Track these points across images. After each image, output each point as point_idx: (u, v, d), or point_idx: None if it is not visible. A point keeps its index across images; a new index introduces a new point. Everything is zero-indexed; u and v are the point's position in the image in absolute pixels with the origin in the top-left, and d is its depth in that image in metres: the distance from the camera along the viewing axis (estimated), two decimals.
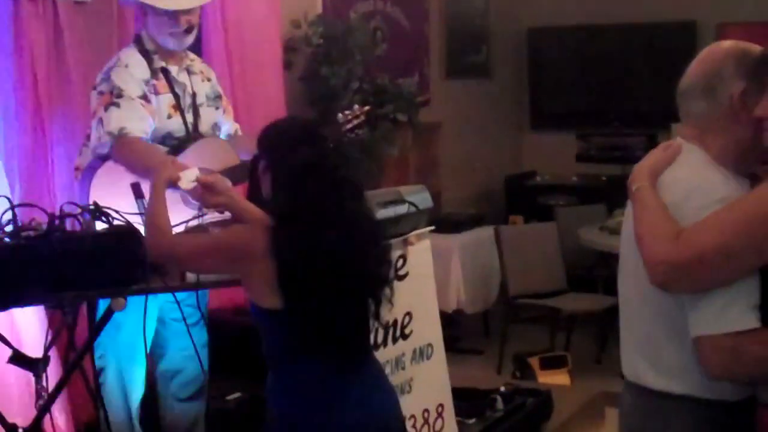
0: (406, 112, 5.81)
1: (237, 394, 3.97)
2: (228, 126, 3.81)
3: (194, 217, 2.96)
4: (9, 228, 2.60)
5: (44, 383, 2.77)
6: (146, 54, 3.53)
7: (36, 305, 3.27)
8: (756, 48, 2.06)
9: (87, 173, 3.40)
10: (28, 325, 3.53)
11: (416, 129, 6.06)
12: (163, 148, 3.47)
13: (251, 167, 2.67)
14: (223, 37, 4.77)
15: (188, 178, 2.95)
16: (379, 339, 3.23)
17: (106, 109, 3.39)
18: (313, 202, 2.41)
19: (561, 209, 6.96)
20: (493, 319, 6.55)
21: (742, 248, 1.89)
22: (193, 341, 3.25)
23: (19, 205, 2.80)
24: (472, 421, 3.84)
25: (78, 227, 2.70)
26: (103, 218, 2.71)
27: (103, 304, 2.88)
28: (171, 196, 2.90)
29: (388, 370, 3.22)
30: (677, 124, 2.16)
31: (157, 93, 3.51)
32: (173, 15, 3.46)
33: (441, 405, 3.53)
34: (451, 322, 5.82)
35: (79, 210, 2.73)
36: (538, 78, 8.28)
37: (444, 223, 5.89)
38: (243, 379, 3.82)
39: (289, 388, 2.46)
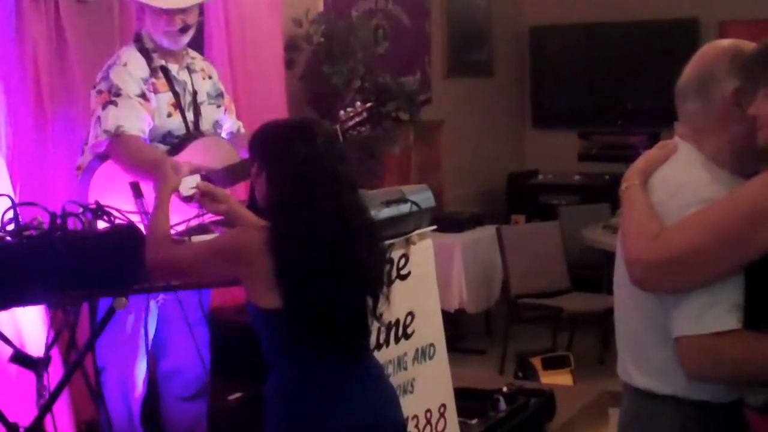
0: (407, 110, 5.81)
1: (239, 394, 3.96)
2: (230, 124, 3.80)
3: (195, 216, 2.96)
4: (11, 227, 2.59)
5: (45, 383, 2.77)
6: (146, 52, 3.52)
7: (37, 304, 3.26)
8: (751, 46, 2.03)
9: (86, 172, 3.39)
10: (29, 325, 3.52)
11: (418, 127, 6.05)
12: (163, 147, 3.47)
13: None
14: (224, 36, 4.77)
15: (188, 184, 2.95)
16: (381, 339, 3.22)
17: (103, 107, 3.39)
18: (309, 198, 2.40)
19: (564, 208, 6.94)
20: (496, 318, 6.55)
21: (719, 249, 1.86)
22: (195, 340, 3.25)
23: (21, 204, 2.79)
24: (474, 421, 3.82)
25: (80, 226, 2.70)
26: (105, 217, 2.71)
27: (104, 304, 2.87)
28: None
29: (390, 370, 3.22)
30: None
31: (156, 91, 3.50)
32: (168, 14, 3.46)
33: (443, 405, 3.52)
34: (453, 321, 5.80)
35: (81, 209, 2.73)
36: (540, 76, 8.26)
37: (446, 222, 5.84)
38: (245, 378, 3.81)
39: (288, 388, 2.45)
